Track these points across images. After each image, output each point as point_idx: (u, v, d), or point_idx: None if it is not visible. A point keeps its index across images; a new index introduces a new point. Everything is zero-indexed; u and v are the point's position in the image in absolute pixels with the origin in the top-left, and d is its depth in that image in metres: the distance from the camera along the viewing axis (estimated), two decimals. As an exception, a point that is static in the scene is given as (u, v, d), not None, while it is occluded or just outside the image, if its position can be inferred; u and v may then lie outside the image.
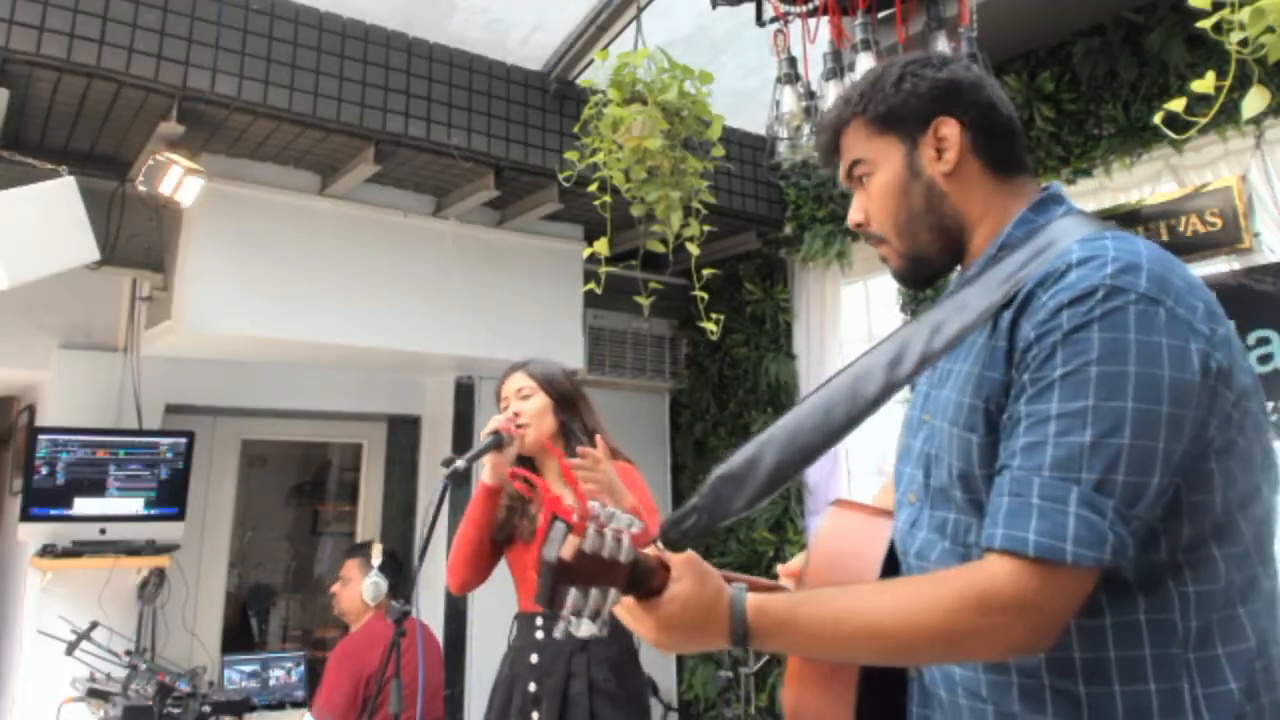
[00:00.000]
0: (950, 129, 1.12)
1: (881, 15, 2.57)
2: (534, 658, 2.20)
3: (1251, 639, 0.95)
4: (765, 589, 1.13)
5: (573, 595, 0.93)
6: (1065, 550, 0.88)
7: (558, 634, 0.96)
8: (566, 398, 2.31)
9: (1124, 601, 0.94)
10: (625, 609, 1.00)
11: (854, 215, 1.20)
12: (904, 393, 1.09)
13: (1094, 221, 1.07)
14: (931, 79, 1.14)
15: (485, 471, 2.19)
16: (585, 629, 0.95)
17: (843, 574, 1.17)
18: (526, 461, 2.29)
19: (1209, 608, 0.94)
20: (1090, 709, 0.94)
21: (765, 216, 4.28)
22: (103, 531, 3.43)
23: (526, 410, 2.26)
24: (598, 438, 2.15)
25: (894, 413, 1.19)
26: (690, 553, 1.02)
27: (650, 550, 1.00)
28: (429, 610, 4.17)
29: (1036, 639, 0.91)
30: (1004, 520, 0.92)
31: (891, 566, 1.16)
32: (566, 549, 0.92)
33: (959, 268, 1.19)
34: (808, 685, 1.14)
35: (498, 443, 2.13)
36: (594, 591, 0.94)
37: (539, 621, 2.22)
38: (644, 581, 0.98)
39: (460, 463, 2.01)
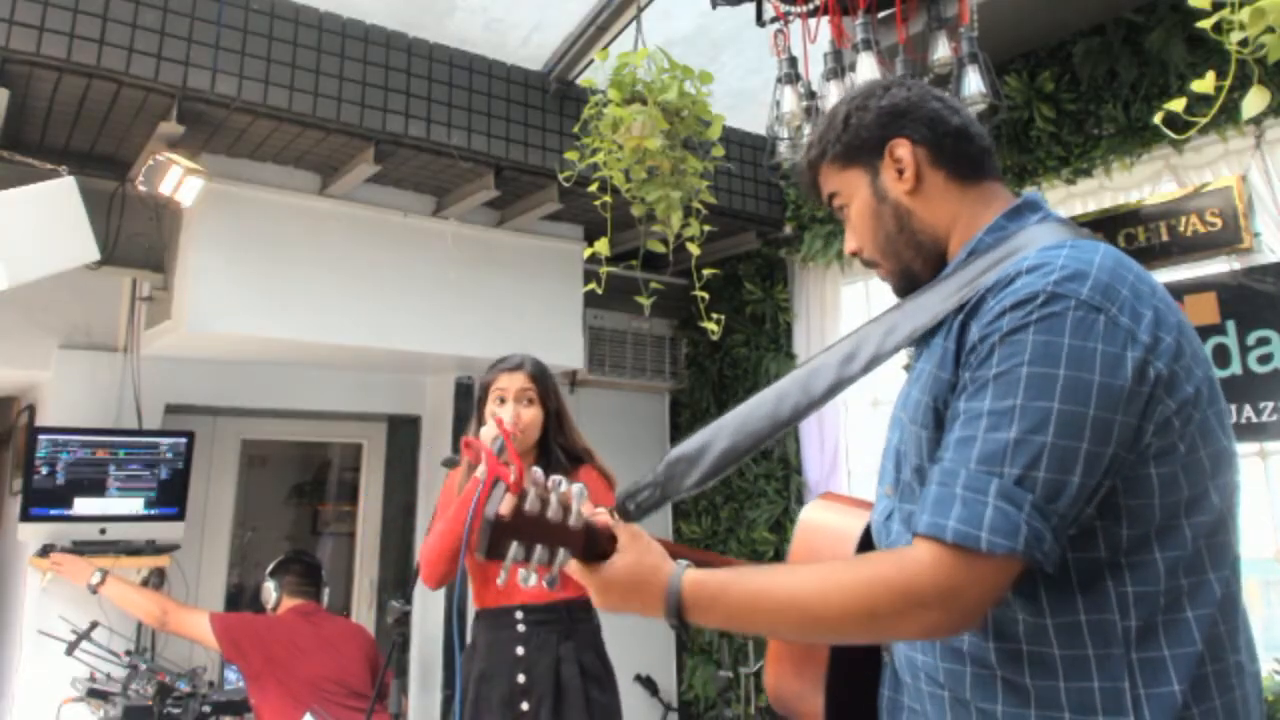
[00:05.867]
0: (903, 149, 1.18)
1: (882, 15, 2.57)
2: (519, 650, 2.21)
3: (1199, 642, 0.97)
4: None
5: (513, 548, 1.02)
6: (980, 538, 0.92)
7: (500, 582, 1.05)
8: (557, 411, 2.34)
9: (1064, 602, 0.99)
10: (573, 568, 1.10)
11: (849, 245, 1.27)
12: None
13: (1066, 229, 1.10)
14: (875, 108, 1.20)
15: (480, 470, 2.18)
16: (533, 581, 1.05)
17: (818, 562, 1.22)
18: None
19: (1150, 609, 0.97)
20: (1038, 700, 0.98)
21: (765, 216, 4.28)
22: (103, 531, 3.43)
23: (525, 418, 2.27)
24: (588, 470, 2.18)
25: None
26: (635, 528, 1.12)
27: (600, 519, 1.11)
28: (430, 610, 4.17)
29: (954, 621, 0.96)
30: (930, 508, 0.97)
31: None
32: (504, 506, 1.01)
33: None
34: (786, 666, 1.22)
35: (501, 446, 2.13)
36: (539, 549, 1.03)
37: (519, 615, 2.23)
38: (598, 547, 1.08)
39: (482, 468, 2.01)
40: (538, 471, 1.04)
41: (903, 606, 0.95)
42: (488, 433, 2.19)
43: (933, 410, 1.05)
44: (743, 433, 1.11)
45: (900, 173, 1.18)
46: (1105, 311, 0.96)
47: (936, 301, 1.08)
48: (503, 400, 2.30)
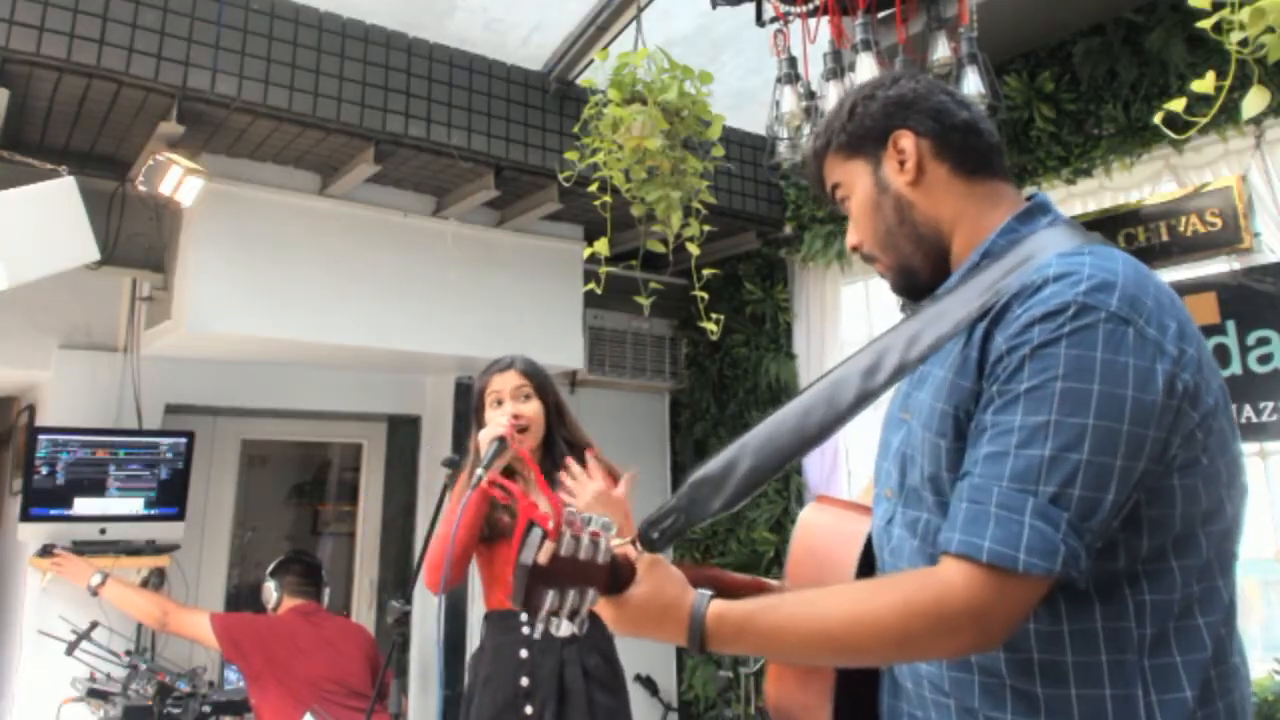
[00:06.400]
0: (906, 140, 1.16)
1: (881, 15, 2.57)
2: (523, 653, 2.19)
3: (1209, 648, 0.97)
4: (749, 586, 1.16)
5: (550, 597, 0.98)
6: (1018, 559, 0.91)
7: (537, 636, 1.00)
8: (557, 404, 2.34)
9: (1081, 609, 0.97)
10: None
11: (850, 239, 1.26)
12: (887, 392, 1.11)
13: (1079, 233, 1.08)
14: (882, 98, 1.20)
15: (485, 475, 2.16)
16: (565, 629, 1.00)
17: (820, 568, 1.20)
18: (507, 471, 2.27)
19: (1165, 616, 0.97)
20: (1048, 709, 0.97)
21: (765, 216, 4.28)
22: (103, 531, 3.43)
23: (526, 412, 2.26)
24: (590, 454, 2.17)
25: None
26: (655, 556, 1.08)
27: (621, 550, 1.06)
28: (430, 610, 4.17)
29: (985, 641, 0.94)
30: (961, 526, 0.95)
31: (868, 561, 1.19)
32: (543, 554, 0.97)
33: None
34: (789, 682, 1.18)
35: (503, 448, 2.11)
36: (572, 592, 0.99)
37: (524, 617, 2.20)
38: (620, 580, 1.04)
39: (481, 471, 2.02)
40: (571, 511, 1.00)
41: (935, 631, 0.94)
42: (485, 435, 2.18)
43: (953, 419, 1.03)
44: (768, 451, 1.07)
45: (902, 164, 1.16)
46: (1134, 324, 0.95)
47: (957, 308, 1.05)
48: (499, 402, 2.29)
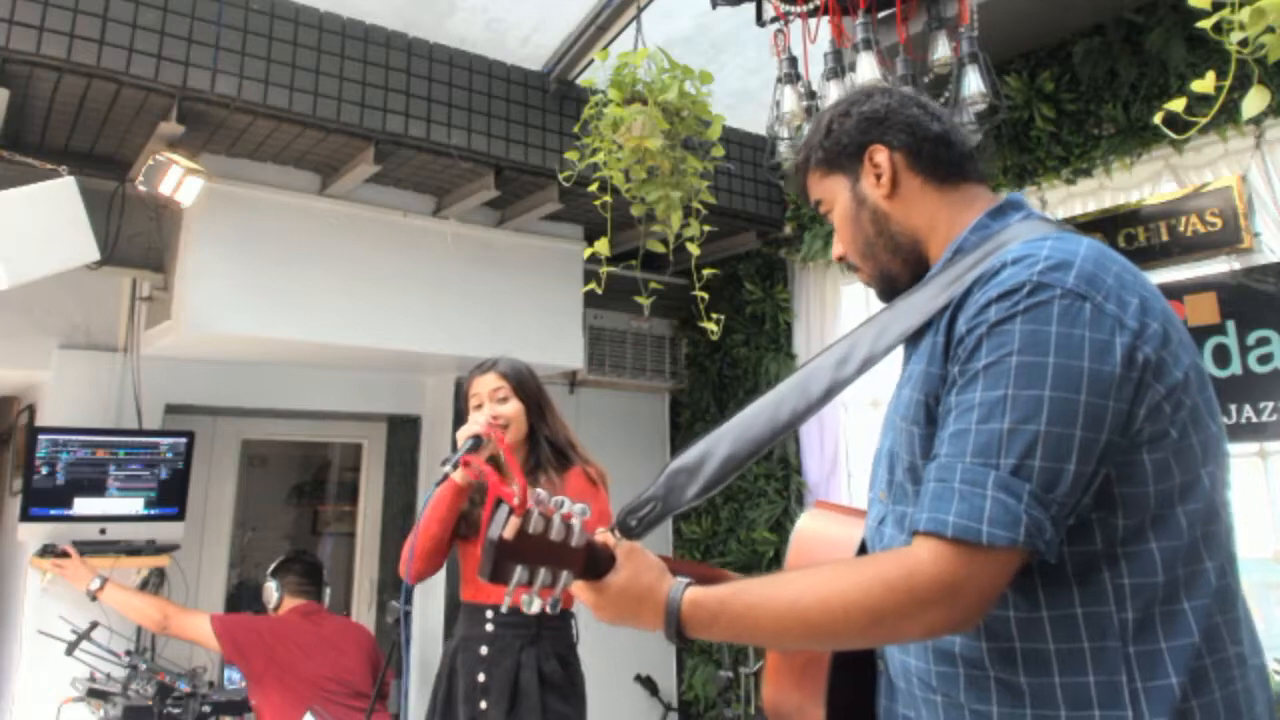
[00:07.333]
0: (880, 154, 1.20)
1: (882, 15, 2.57)
2: (483, 649, 2.24)
3: (1196, 634, 0.96)
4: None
5: (517, 572, 1.00)
6: (981, 531, 0.92)
7: (504, 609, 1.02)
8: (538, 404, 2.38)
9: (1059, 594, 0.98)
10: (573, 586, 1.09)
11: (835, 249, 1.30)
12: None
13: (1048, 225, 1.11)
14: (857, 114, 1.23)
15: (457, 471, 2.20)
16: (535, 606, 1.03)
17: None
18: (491, 460, 2.31)
19: (1147, 601, 0.97)
20: (1032, 699, 0.98)
21: (765, 216, 4.28)
22: (103, 531, 3.43)
23: (504, 413, 2.31)
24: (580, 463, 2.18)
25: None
26: (633, 544, 1.11)
27: (601, 538, 1.09)
28: (430, 608, 4.18)
29: (958, 617, 0.95)
30: (928, 504, 0.97)
31: None
32: (508, 529, 0.99)
33: None
34: (785, 680, 1.20)
35: (478, 445, 2.17)
36: (543, 571, 1.02)
37: (489, 614, 2.26)
38: (599, 566, 1.07)
39: (447, 468, 2.08)
40: (541, 491, 1.02)
41: (906, 607, 0.94)
42: (461, 433, 2.21)
43: (924, 406, 1.05)
44: (742, 440, 1.12)
45: (878, 178, 1.20)
46: (1091, 299, 0.96)
47: (926, 300, 1.09)
48: (479, 405, 2.34)
